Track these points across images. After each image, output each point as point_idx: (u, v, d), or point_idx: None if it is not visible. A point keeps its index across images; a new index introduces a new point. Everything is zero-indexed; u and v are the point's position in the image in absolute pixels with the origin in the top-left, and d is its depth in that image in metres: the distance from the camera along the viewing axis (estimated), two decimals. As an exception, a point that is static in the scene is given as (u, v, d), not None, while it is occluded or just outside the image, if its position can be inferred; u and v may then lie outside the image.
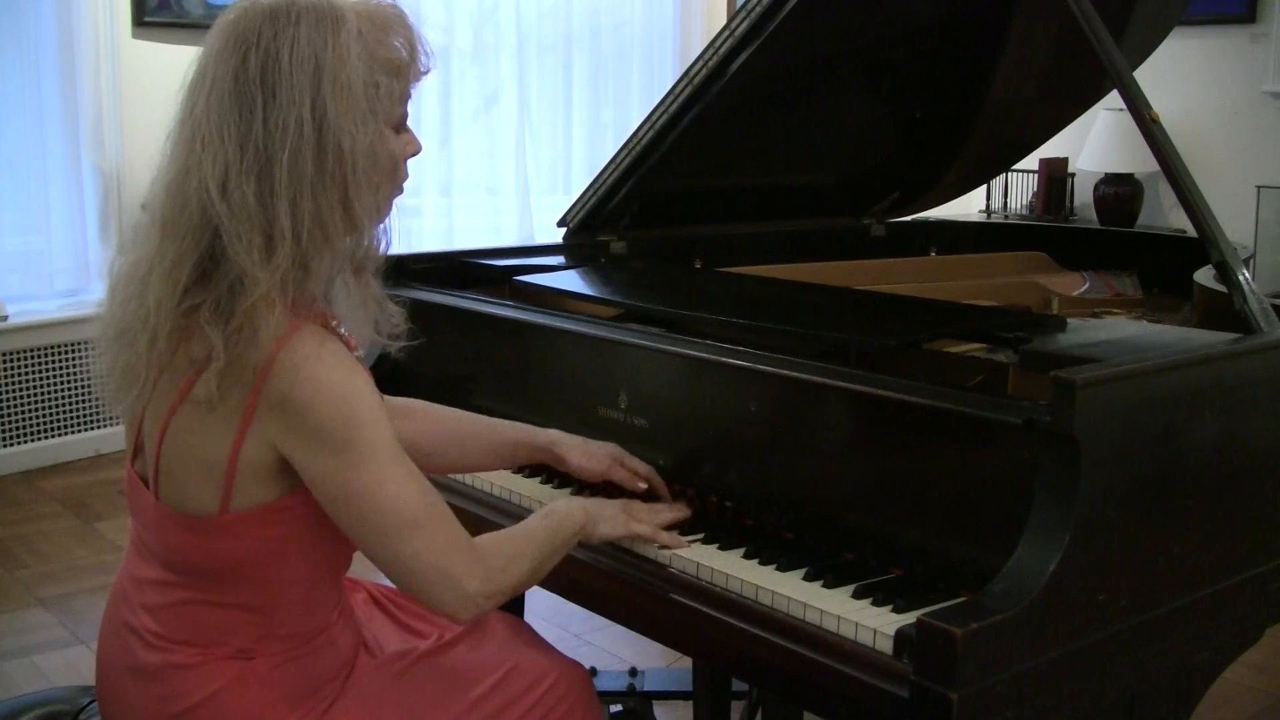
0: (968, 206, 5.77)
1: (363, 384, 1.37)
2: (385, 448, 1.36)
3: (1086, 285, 2.63)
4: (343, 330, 1.44)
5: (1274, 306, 1.68)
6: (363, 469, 1.35)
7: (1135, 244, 2.83)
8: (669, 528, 1.64)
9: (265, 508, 1.39)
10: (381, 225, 1.46)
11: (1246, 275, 1.72)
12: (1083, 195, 6.00)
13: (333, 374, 1.34)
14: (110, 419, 4.63)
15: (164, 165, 1.39)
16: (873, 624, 1.34)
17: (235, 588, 1.43)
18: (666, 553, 1.58)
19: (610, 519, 1.61)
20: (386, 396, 1.48)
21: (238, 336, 1.31)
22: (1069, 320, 1.76)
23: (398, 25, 1.42)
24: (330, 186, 1.35)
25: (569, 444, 1.75)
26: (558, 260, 2.40)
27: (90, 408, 4.69)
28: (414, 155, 1.47)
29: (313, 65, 1.34)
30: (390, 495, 1.36)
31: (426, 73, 1.47)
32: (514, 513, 1.80)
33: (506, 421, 1.83)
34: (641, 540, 1.62)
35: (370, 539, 1.38)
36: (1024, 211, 6.08)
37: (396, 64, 1.41)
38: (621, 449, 1.76)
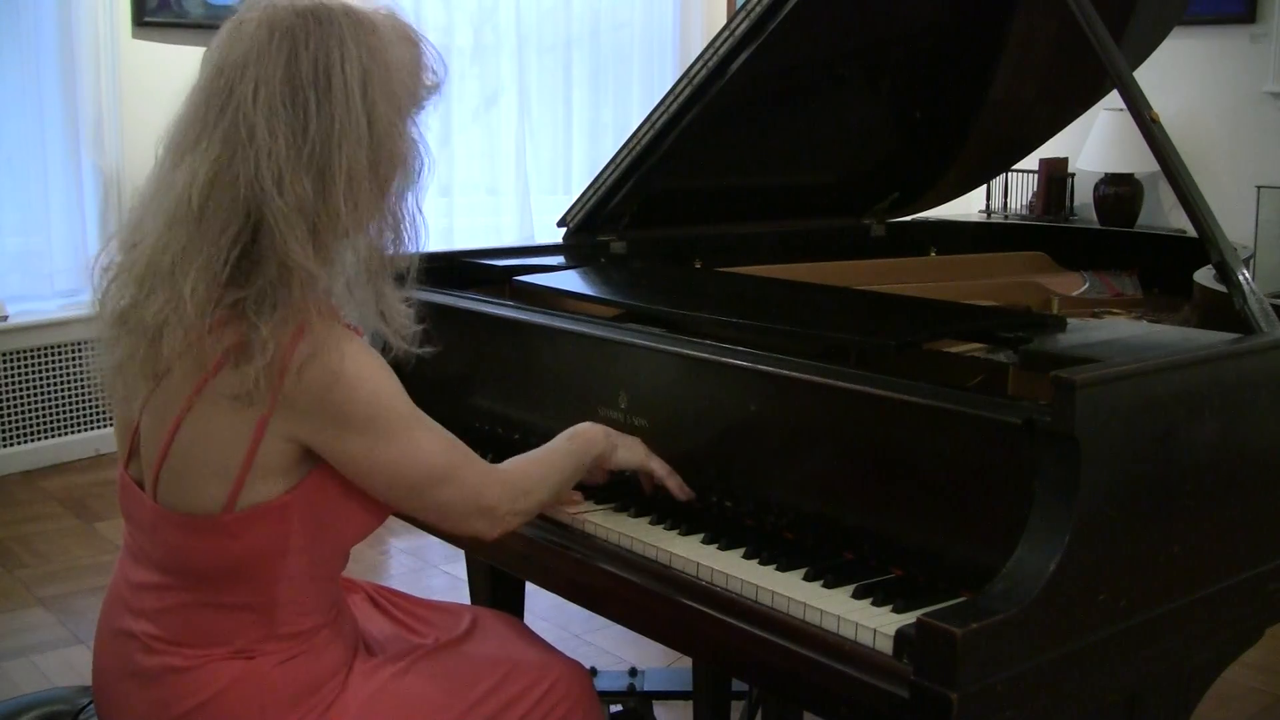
0: (968, 206, 5.77)
1: (376, 362, 1.41)
2: (407, 416, 1.43)
3: (1086, 285, 2.63)
4: (348, 320, 1.46)
5: (1274, 306, 1.68)
6: (391, 441, 1.41)
7: (1135, 244, 2.83)
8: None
9: (265, 505, 1.40)
10: (406, 229, 1.49)
11: (1246, 275, 1.72)
12: (1083, 195, 6.00)
13: (349, 360, 1.38)
14: (110, 419, 4.63)
15: (193, 158, 1.37)
16: (873, 624, 1.34)
17: (235, 588, 1.43)
18: (667, 553, 1.58)
19: (630, 447, 1.70)
20: None
21: (283, 329, 1.33)
22: (1069, 320, 1.75)
23: (410, 34, 1.48)
24: (377, 185, 1.40)
25: None
26: (558, 260, 2.40)
27: (90, 408, 4.69)
28: None
29: (362, 68, 1.38)
30: (419, 457, 1.43)
31: (439, 84, 1.52)
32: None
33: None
34: (654, 475, 1.69)
35: (405, 498, 1.46)
36: (1024, 211, 6.07)
37: (416, 71, 1.48)
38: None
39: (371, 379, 1.39)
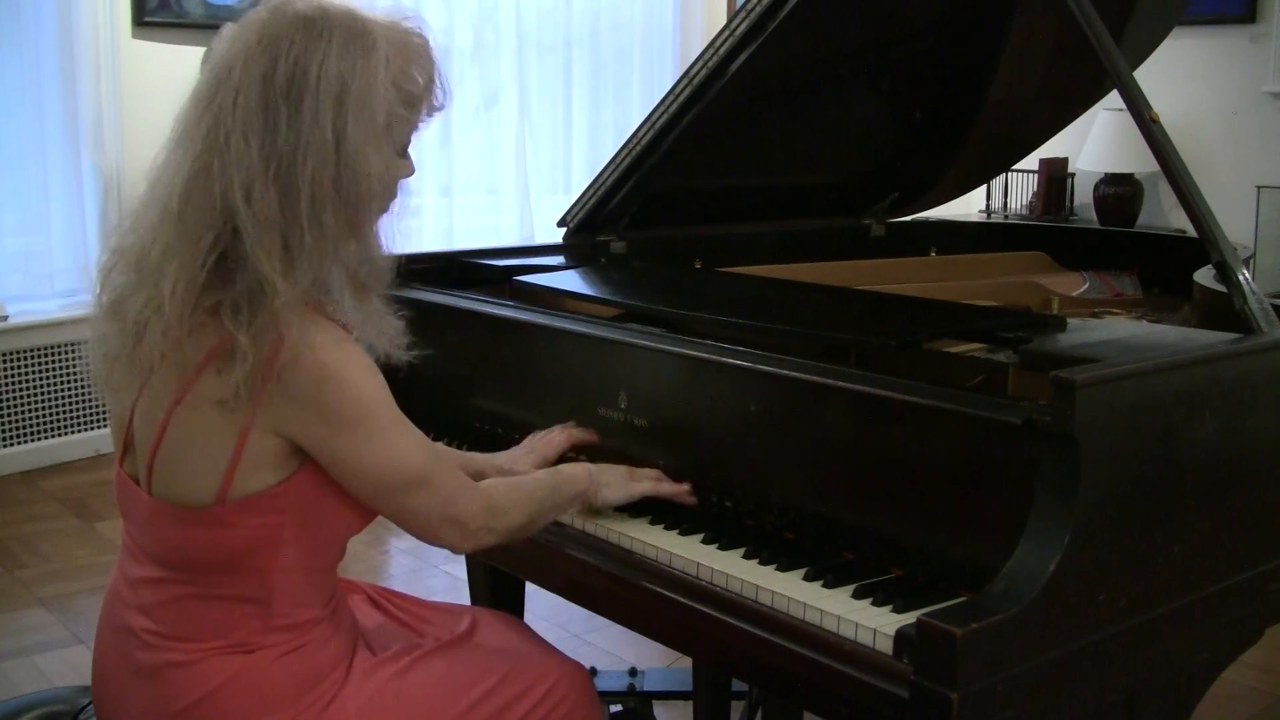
0: (968, 206, 5.77)
1: (364, 364, 1.42)
2: (391, 418, 1.44)
3: (1086, 285, 2.63)
4: (336, 314, 1.46)
5: (1274, 306, 1.68)
6: (374, 441, 1.41)
7: (1135, 244, 2.83)
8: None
9: (260, 495, 1.41)
10: (380, 252, 1.49)
11: (1246, 275, 1.72)
12: (1083, 195, 6.00)
13: (338, 360, 1.39)
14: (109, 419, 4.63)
15: (179, 153, 1.39)
16: (873, 624, 1.34)
17: (232, 579, 1.44)
18: (667, 553, 1.58)
19: (612, 484, 1.68)
20: None
21: (262, 338, 1.34)
22: (1069, 320, 1.76)
23: (422, 56, 1.46)
24: (343, 206, 1.39)
25: (519, 460, 1.80)
26: (558, 260, 2.40)
27: (90, 408, 4.69)
28: (407, 177, 1.50)
29: (339, 86, 1.36)
30: (400, 460, 1.43)
31: (440, 109, 1.50)
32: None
33: (469, 454, 1.86)
34: (643, 493, 1.68)
35: (383, 499, 1.46)
36: (1024, 211, 6.07)
37: (415, 97, 1.46)
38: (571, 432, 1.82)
39: (359, 378, 1.40)
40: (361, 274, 1.46)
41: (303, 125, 1.35)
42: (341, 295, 1.43)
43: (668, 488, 1.69)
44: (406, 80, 1.43)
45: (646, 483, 1.70)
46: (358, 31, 1.39)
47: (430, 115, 1.50)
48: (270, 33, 1.37)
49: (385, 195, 1.46)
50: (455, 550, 1.56)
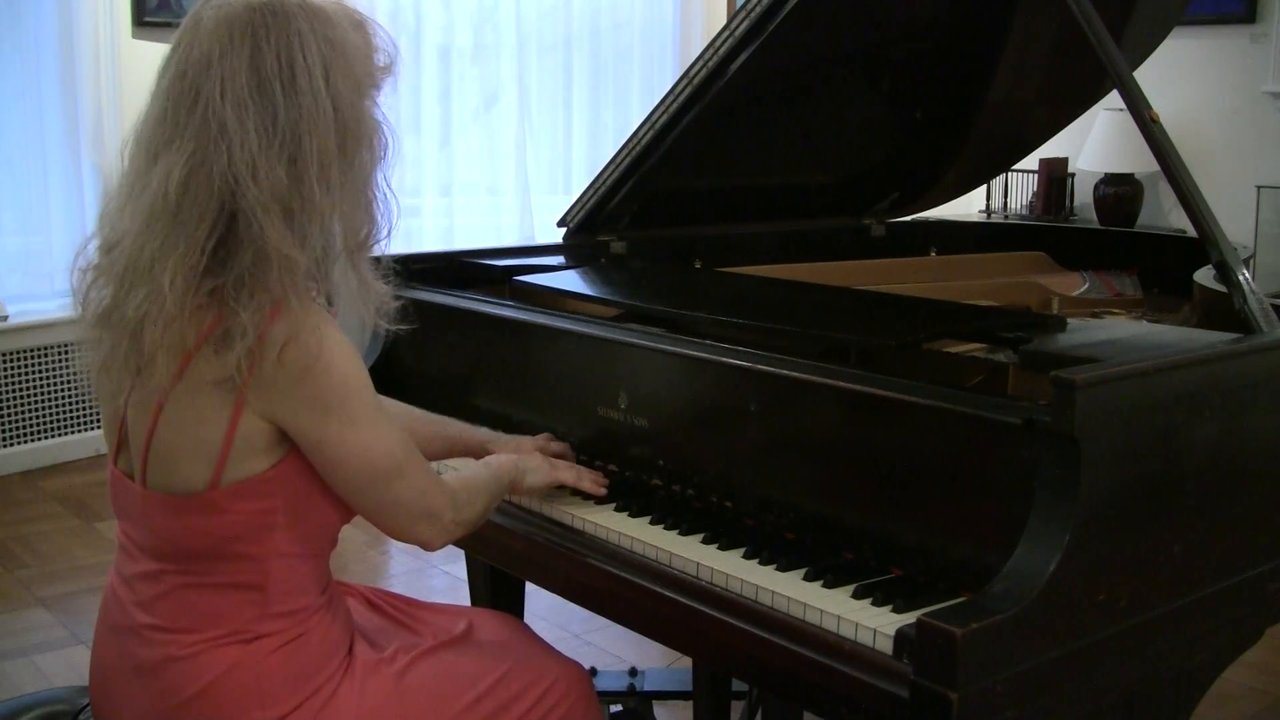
0: (968, 206, 5.77)
1: (351, 350, 1.45)
2: (373, 406, 1.47)
3: (1086, 285, 2.63)
4: (321, 301, 1.48)
5: (1274, 306, 1.68)
6: (357, 429, 1.44)
7: (1135, 244, 2.83)
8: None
9: (252, 480, 1.43)
10: (380, 212, 1.52)
11: (1246, 275, 1.72)
12: (1083, 195, 6.00)
13: (327, 343, 1.41)
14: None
15: (169, 157, 1.39)
16: (873, 624, 1.34)
17: (227, 566, 1.45)
18: (667, 553, 1.58)
19: (536, 469, 1.74)
20: None
21: (260, 315, 1.36)
22: (1069, 320, 1.76)
23: (367, 27, 1.53)
24: (347, 168, 1.44)
25: (500, 443, 1.85)
26: (558, 260, 2.40)
27: (90, 408, 4.69)
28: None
29: (322, 56, 1.42)
30: (380, 449, 1.46)
31: (391, 64, 1.56)
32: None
33: (451, 419, 1.91)
34: (565, 484, 1.75)
35: (362, 490, 1.48)
36: (1024, 211, 6.07)
37: (376, 49, 1.53)
38: (545, 440, 1.85)
39: (346, 364, 1.43)
40: (359, 235, 1.48)
41: (301, 98, 1.39)
42: (336, 260, 1.46)
43: (587, 483, 1.75)
44: (365, 40, 1.50)
45: (568, 472, 1.76)
46: (312, 8, 1.44)
47: (385, 76, 1.55)
48: (239, 25, 1.40)
49: (380, 147, 1.50)
50: (427, 547, 1.58)
